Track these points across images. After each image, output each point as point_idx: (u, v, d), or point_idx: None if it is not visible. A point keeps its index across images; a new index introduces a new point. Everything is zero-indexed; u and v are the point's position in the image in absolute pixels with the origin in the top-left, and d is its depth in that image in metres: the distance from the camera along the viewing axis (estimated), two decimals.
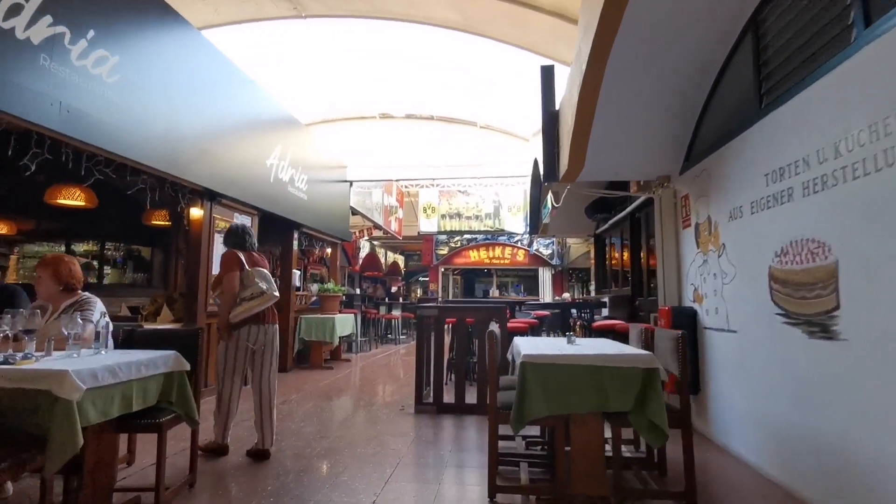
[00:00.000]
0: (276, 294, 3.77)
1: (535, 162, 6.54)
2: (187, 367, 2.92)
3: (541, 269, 17.77)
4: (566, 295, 15.43)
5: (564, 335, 3.80)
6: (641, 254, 6.98)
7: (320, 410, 5.10)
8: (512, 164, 9.67)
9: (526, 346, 3.23)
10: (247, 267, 3.71)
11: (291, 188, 7.56)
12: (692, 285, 4.64)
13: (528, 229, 12.68)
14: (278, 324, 3.96)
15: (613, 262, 8.51)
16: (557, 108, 5.65)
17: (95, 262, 8.72)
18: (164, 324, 5.49)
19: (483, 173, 9.58)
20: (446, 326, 6.62)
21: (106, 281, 8.68)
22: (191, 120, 5.16)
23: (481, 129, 10.80)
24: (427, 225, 15.83)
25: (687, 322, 4.47)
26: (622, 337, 5.13)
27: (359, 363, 8.81)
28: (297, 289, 8.37)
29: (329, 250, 9.98)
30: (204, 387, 5.24)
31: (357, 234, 15.48)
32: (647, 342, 3.54)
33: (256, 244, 4.01)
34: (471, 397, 5.04)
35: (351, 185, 10.36)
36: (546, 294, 17.45)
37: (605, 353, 2.85)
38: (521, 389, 2.80)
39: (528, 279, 23.53)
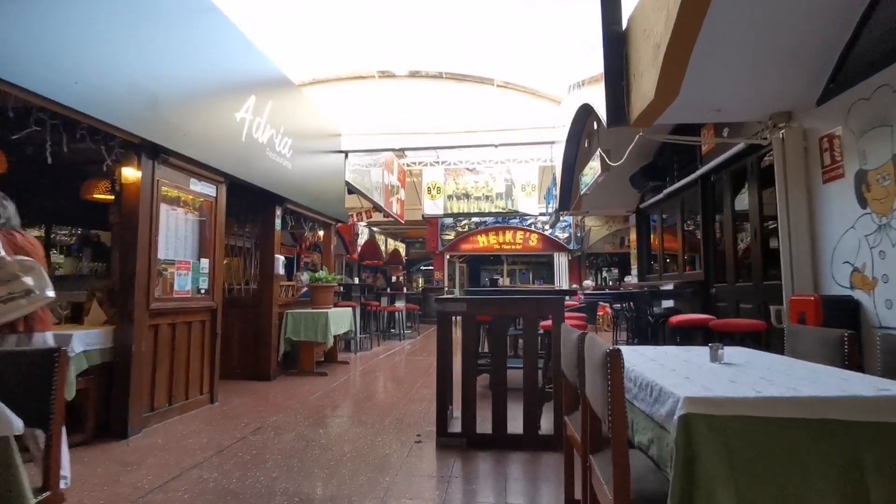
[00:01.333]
0: (50, 294, 2.65)
1: (584, 109, 5.06)
2: (13, 429, 1.47)
3: (556, 255, 16.31)
4: (588, 282, 13.99)
5: (647, 337, 2.34)
6: (717, 228, 5.51)
7: (305, 445, 3.66)
8: (537, 130, 8.16)
9: (651, 369, 1.79)
10: (2, 254, 2.45)
11: (271, 153, 6.06)
12: (848, 264, 3.18)
13: (550, 208, 11.14)
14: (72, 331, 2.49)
15: (667, 241, 7.05)
16: (624, 26, 4.13)
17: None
18: (94, 326, 4.02)
19: (504, 139, 8.07)
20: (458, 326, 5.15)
21: (60, 272, 7.20)
22: (124, 44, 3.65)
23: (499, 89, 9.27)
24: (432, 207, 14.32)
25: (845, 318, 3.02)
26: (728, 339, 3.68)
27: (358, 366, 7.38)
28: (285, 278, 6.90)
29: (322, 233, 8.49)
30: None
31: (354, 217, 13.99)
32: (853, 354, 2.07)
33: (19, 221, 2.75)
34: (514, 422, 3.60)
35: (346, 156, 8.85)
36: (563, 282, 16.00)
37: (860, 395, 1.40)
38: (689, 474, 1.35)
39: (539, 266, 22.11)
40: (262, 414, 4.54)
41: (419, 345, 10.06)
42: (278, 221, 6.45)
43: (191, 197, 4.74)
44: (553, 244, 16.10)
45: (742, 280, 4.86)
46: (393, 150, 9.40)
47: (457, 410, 3.85)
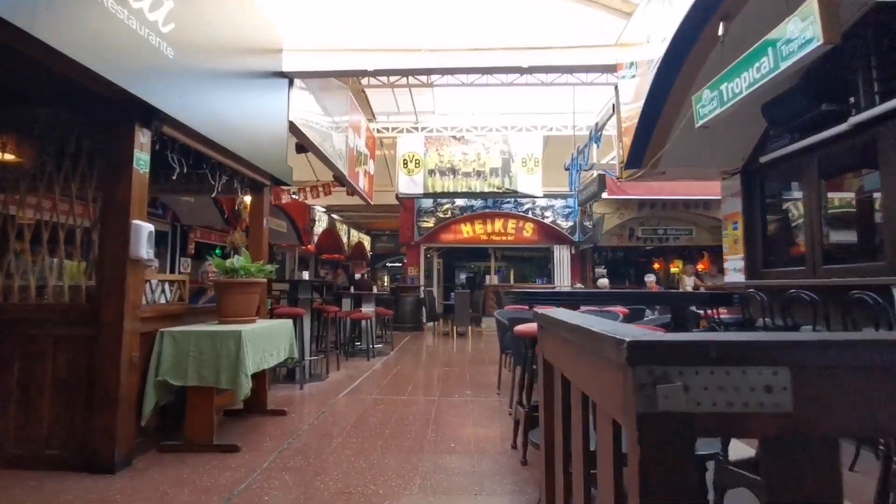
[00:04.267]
0: None
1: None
2: None
3: (556, 248, 13.60)
4: (604, 281, 11.31)
5: None
6: None
7: None
8: (589, 50, 5.32)
9: None
10: None
11: (128, 14, 2.96)
12: None
13: (577, 183, 8.26)
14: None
15: (838, 209, 4.35)
16: None
17: None
18: None
19: (536, 60, 5.20)
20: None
21: None
22: None
23: None
24: (408, 185, 11.33)
25: None
26: None
27: (305, 417, 4.34)
28: (155, 267, 3.79)
29: (249, 199, 5.37)
30: None
31: (308, 193, 10.82)
32: None
33: None
34: None
35: (291, 83, 5.77)
36: (563, 280, 13.31)
37: None
38: None
39: (528, 262, 19.43)
40: None
41: (396, 366, 7.08)
42: (140, 157, 3.32)
43: None
44: (553, 234, 13.38)
45: None
46: (364, 72, 6.34)
47: None
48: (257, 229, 5.26)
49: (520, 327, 3.03)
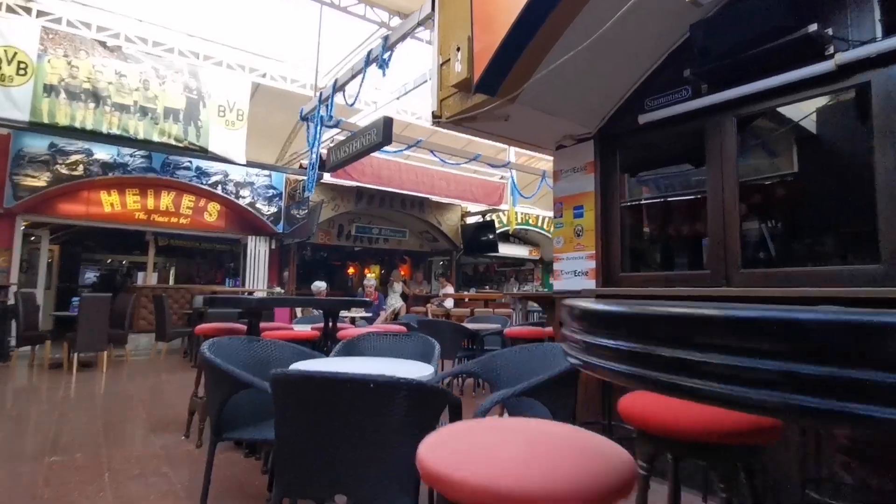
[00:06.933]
0: None
1: None
2: None
3: (252, 240, 10.31)
4: (319, 285, 8.79)
5: None
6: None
7: None
8: None
9: None
10: None
11: None
12: None
13: (324, 112, 5.35)
14: None
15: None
16: None
17: None
18: None
19: None
20: None
21: None
22: None
23: None
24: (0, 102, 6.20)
25: None
26: None
27: None
28: None
29: None
30: None
31: None
32: None
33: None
34: None
35: None
36: (258, 282, 10.16)
37: None
38: None
39: (206, 257, 15.05)
40: None
41: None
42: None
43: None
44: (248, 221, 10.08)
45: None
46: None
47: None
48: None
49: None
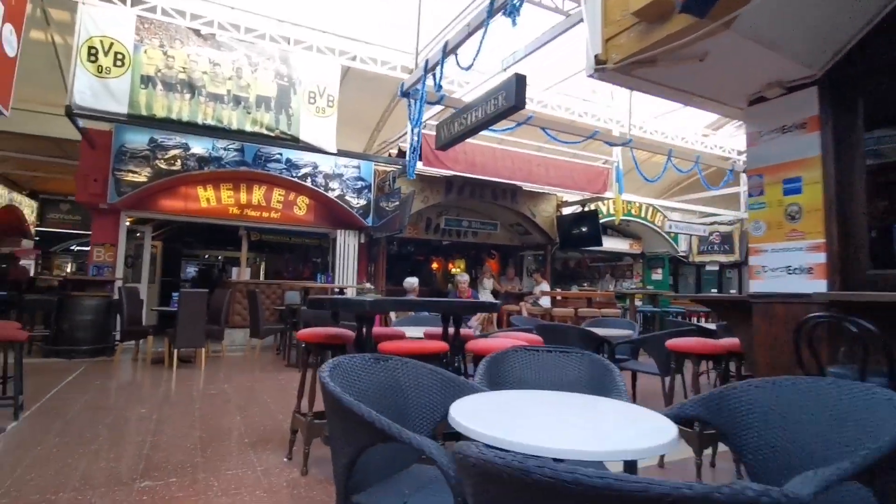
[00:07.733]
0: None
1: None
2: None
3: (341, 234, 9.98)
4: (412, 282, 8.22)
5: None
6: None
7: None
8: None
9: None
10: None
11: None
12: None
13: (423, 86, 4.65)
14: None
15: None
16: None
17: None
18: None
19: None
20: None
21: None
22: None
23: None
24: (97, 94, 6.15)
25: None
26: None
27: None
28: None
29: None
30: None
31: None
32: None
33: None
34: None
35: None
36: (348, 278, 9.82)
37: None
38: None
39: (294, 252, 15.16)
40: None
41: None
42: None
43: None
44: (338, 215, 9.75)
45: None
46: None
47: None
48: None
49: None
